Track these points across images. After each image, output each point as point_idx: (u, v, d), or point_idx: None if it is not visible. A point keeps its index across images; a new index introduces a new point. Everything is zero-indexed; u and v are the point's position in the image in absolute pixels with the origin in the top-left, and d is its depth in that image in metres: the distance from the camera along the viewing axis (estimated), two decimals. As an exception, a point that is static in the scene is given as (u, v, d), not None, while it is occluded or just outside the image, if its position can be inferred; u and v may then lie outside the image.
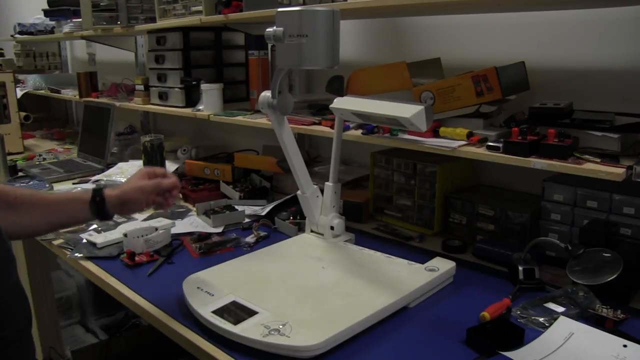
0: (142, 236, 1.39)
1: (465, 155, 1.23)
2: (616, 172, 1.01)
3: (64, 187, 1.95)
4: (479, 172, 1.61)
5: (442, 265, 1.19)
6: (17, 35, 3.51)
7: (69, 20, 2.86)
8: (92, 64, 3.37)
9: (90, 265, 1.33)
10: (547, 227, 1.29)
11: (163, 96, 2.14)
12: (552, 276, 1.22)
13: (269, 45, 1.82)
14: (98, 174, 2.12)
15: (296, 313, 1.00)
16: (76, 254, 1.38)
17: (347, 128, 1.44)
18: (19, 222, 1.02)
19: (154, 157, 1.83)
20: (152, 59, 2.16)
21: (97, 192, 1.08)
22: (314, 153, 2.02)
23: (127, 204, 1.10)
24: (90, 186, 1.95)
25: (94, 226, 1.56)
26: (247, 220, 1.62)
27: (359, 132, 1.42)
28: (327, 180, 1.38)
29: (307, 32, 1.09)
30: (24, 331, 0.89)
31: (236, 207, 1.66)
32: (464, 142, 1.24)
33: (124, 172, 2.06)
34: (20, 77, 3.42)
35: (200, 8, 1.86)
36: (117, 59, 3.02)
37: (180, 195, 1.87)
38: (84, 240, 1.45)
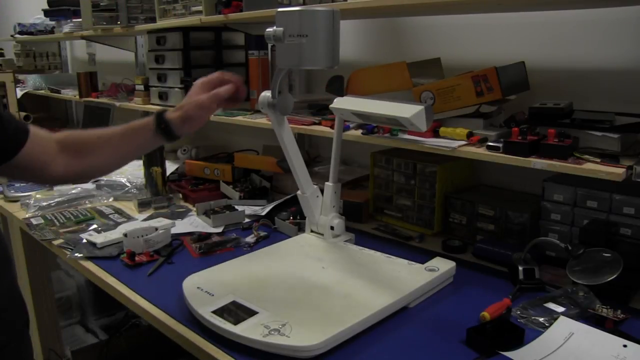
0: (142, 236, 1.38)
1: (465, 155, 1.23)
2: (616, 172, 1.01)
3: (64, 187, 1.95)
4: (479, 172, 1.61)
5: (442, 265, 1.19)
6: (17, 35, 3.51)
7: (69, 20, 2.86)
8: (92, 64, 3.37)
9: (90, 265, 1.33)
10: (547, 227, 1.29)
11: (163, 96, 2.14)
12: (552, 276, 1.22)
13: (269, 45, 1.81)
14: (98, 174, 2.12)
15: (296, 313, 1.00)
16: (76, 254, 1.38)
17: (347, 128, 1.44)
18: (89, 165, 1.03)
19: (154, 157, 1.83)
20: (152, 59, 2.16)
21: (160, 119, 1.06)
22: (314, 153, 2.02)
23: (190, 121, 1.07)
24: (90, 186, 1.95)
25: (94, 226, 1.56)
26: (247, 220, 1.62)
27: (359, 132, 1.42)
28: (327, 180, 1.38)
29: (307, 32, 1.09)
30: (20, 333, 0.89)
31: (236, 207, 1.66)
32: (464, 142, 1.24)
33: (124, 172, 2.06)
34: (20, 77, 3.42)
35: (200, 8, 1.86)
36: (117, 59, 3.02)
37: (181, 195, 1.87)
38: (84, 240, 1.45)
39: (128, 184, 1.93)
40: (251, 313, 0.99)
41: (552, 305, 1.07)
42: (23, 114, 2.94)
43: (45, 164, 0.96)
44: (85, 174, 1.04)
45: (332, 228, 1.36)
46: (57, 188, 1.96)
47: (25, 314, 0.93)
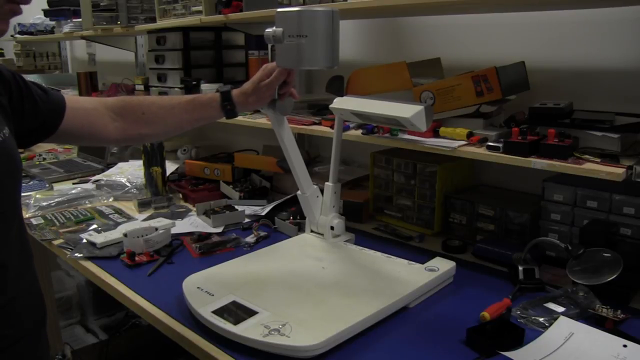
0: (142, 236, 1.39)
1: (465, 155, 1.23)
2: (616, 172, 1.01)
3: (64, 187, 1.95)
4: (479, 172, 1.61)
5: (442, 265, 1.19)
6: (17, 35, 3.51)
7: (69, 20, 2.86)
8: (92, 64, 3.37)
9: (90, 265, 1.33)
10: (547, 227, 1.29)
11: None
12: (552, 276, 1.22)
13: (269, 45, 1.81)
14: (98, 174, 2.12)
15: (296, 313, 1.00)
16: (76, 254, 1.38)
17: (347, 128, 1.44)
18: (147, 133, 1.09)
19: (154, 157, 1.83)
20: (152, 59, 2.16)
21: (227, 99, 1.12)
22: (314, 153, 2.02)
23: (257, 98, 1.15)
24: (90, 186, 1.95)
25: (94, 226, 1.56)
26: (247, 220, 1.62)
27: (359, 132, 1.42)
28: (327, 180, 1.38)
29: (306, 32, 1.09)
30: (37, 329, 0.89)
31: (236, 207, 1.66)
32: (464, 142, 1.24)
33: (124, 172, 2.06)
34: (20, 77, 3.42)
35: (200, 8, 1.86)
36: (117, 59, 3.02)
37: (181, 195, 1.87)
38: (84, 240, 1.45)
39: (128, 184, 1.93)
40: (251, 313, 0.99)
41: (552, 305, 1.08)
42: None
43: (94, 129, 1.01)
44: (142, 139, 1.13)
45: (332, 228, 1.36)
46: (57, 188, 1.96)
47: (43, 311, 0.93)
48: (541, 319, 1.02)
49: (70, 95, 1.05)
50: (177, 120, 1.12)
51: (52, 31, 3.20)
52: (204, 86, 1.92)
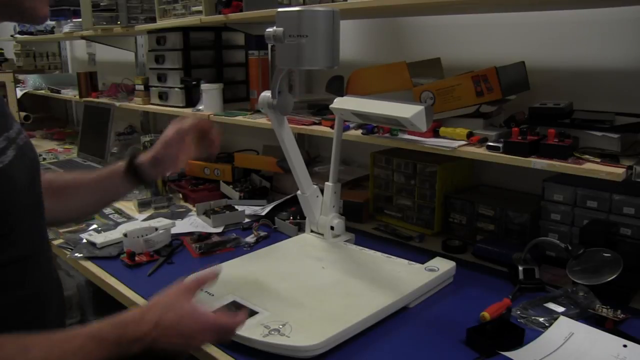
0: (142, 236, 1.39)
1: (465, 155, 1.23)
2: (616, 172, 1.01)
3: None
4: (479, 172, 1.61)
5: (442, 265, 1.19)
6: (17, 35, 3.51)
7: (69, 20, 2.86)
8: (92, 64, 3.37)
9: (90, 265, 1.33)
10: (547, 227, 1.29)
11: (163, 96, 2.14)
12: (552, 276, 1.22)
13: (269, 45, 1.81)
14: (98, 174, 2.11)
15: (296, 313, 1.00)
16: (76, 254, 1.38)
17: (347, 128, 1.44)
18: (66, 208, 1.05)
19: (154, 157, 1.83)
20: (152, 59, 2.16)
21: (130, 166, 1.08)
22: (314, 153, 2.02)
23: (160, 163, 1.09)
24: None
25: (94, 226, 1.56)
26: (247, 220, 1.62)
27: (359, 132, 1.42)
28: (327, 180, 1.38)
29: (307, 32, 1.09)
30: (59, 319, 0.92)
31: (236, 207, 1.66)
32: (464, 142, 1.24)
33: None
34: (20, 77, 3.42)
35: (200, 8, 1.86)
36: (117, 59, 3.02)
37: (181, 195, 1.87)
38: (84, 240, 1.45)
39: (128, 184, 1.93)
40: (251, 313, 0.99)
41: (552, 305, 1.08)
42: (23, 114, 2.94)
43: None
44: (61, 217, 1.04)
45: (332, 228, 1.36)
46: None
47: (63, 303, 0.96)
48: (541, 319, 1.02)
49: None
50: (90, 194, 1.09)
51: (52, 31, 3.20)
52: (204, 86, 1.92)
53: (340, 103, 1.30)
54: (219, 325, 0.85)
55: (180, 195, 1.87)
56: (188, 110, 1.99)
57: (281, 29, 1.11)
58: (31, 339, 0.72)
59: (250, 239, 1.47)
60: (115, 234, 1.45)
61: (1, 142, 0.77)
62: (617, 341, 0.94)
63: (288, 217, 1.55)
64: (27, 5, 0.77)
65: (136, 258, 1.33)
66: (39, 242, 0.87)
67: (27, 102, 3.32)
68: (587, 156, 1.08)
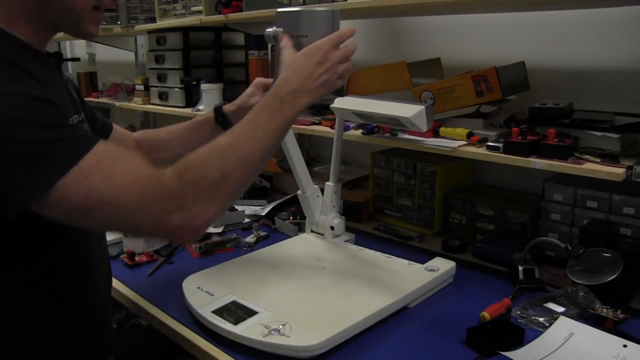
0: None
1: (465, 155, 1.23)
2: (616, 172, 1.01)
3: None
4: (479, 172, 1.61)
5: (442, 265, 1.19)
6: (17, 35, 3.50)
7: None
8: (92, 64, 3.37)
9: (90, 265, 1.33)
10: (547, 227, 1.29)
11: (163, 96, 2.14)
12: (552, 276, 1.22)
13: (269, 45, 1.81)
14: (98, 174, 2.11)
15: (296, 313, 1.00)
16: (76, 254, 1.37)
17: (347, 128, 1.44)
18: (162, 158, 1.17)
19: (154, 157, 1.83)
20: (152, 59, 2.16)
21: (219, 112, 1.21)
22: (314, 153, 2.02)
23: (244, 111, 1.17)
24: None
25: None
26: (247, 220, 1.62)
27: (359, 132, 1.42)
28: (327, 180, 1.38)
29: (306, 32, 1.09)
30: (105, 295, 1.01)
31: (236, 207, 1.66)
32: (464, 142, 1.24)
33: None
34: (21, 77, 3.41)
35: (200, 8, 1.86)
36: (117, 59, 3.01)
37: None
38: (84, 240, 1.45)
39: (128, 184, 1.93)
40: (251, 313, 0.99)
41: (552, 305, 1.08)
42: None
43: None
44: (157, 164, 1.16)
45: (332, 228, 1.36)
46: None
47: (109, 282, 1.07)
48: (541, 319, 1.02)
49: (115, 125, 1.21)
50: (182, 143, 1.21)
51: (52, 31, 3.20)
52: (204, 86, 1.92)
53: (340, 103, 1.30)
54: (335, 36, 0.94)
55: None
56: (188, 110, 1.99)
57: (281, 29, 1.11)
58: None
59: (250, 239, 1.47)
60: (115, 234, 1.45)
61: (75, 120, 0.87)
62: (617, 341, 0.94)
63: (288, 217, 1.55)
64: (83, 29, 0.87)
65: (136, 258, 1.33)
66: None
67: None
68: (587, 156, 1.08)
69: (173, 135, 1.23)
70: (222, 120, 1.20)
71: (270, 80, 1.21)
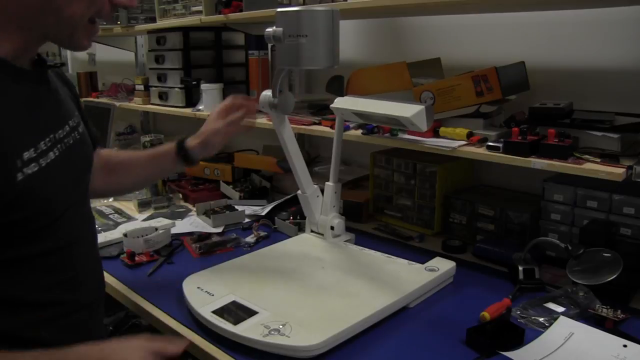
0: (142, 236, 1.39)
1: (465, 155, 1.23)
2: (616, 172, 1.01)
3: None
4: (479, 172, 1.61)
5: (442, 265, 1.19)
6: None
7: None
8: (92, 64, 3.37)
9: (90, 265, 1.33)
10: (547, 227, 1.29)
11: (163, 96, 2.14)
12: (552, 276, 1.22)
13: (269, 45, 1.81)
14: (98, 174, 2.12)
15: (296, 313, 1.00)
16: (76, 254, 1.37)
17: (347, 128, 1.44)
18: (119, 184, 1.18)
19: (154, 157, 1.83)
20: (152, 59, 2.16)
21: (181, 147, 1.20)
22: (314, 153, 2.02)
23: (208, 147, 1.22)
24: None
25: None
26: (247, 220, 1.62)
27: (359, 132, 1.42)
28: (327, 180, 1.38)
29: (306, 32, 1.09)
30: (98, 301, 0.98)
31: (236, 207, 1.66)
32: (464, 142, 1.24)
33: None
34: (20, 77, 3.41)
35: (200, 8, 1.86)
36: (117, 59, 3.01)
37: (181, 195, 1.87)
38: (84, 240, 1.45)
39: (128, 184, 1.93)
40: (251, 313, 0.99)
41: (552, 305, 1.07)
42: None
43: (93, 176, 1.05)
44: (115, 191, 1.20)
45: (332, 228, 1.36)
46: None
47: (101, 290, 1.04)
48: (541, 319, 1.02)
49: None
50: (142, 171, 1.22)
51: (52, 31, 3.20)
52: (204, 86, 1.92)
53: (340, 103, 1.30)
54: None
55: (180, 195, 1.87)
56: (188, 110, 1.99)
57: (281, 29, 1.11)
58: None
59: (250, 239, 1.47)
60: (115, 234, 1.45)
61: (46, 144, 0.82)
62: (617, 341, 0.94)
63: (288, 217, 1.55)
64: (76, 40, 0.85)
65: (136, 258, 1.33)
66: (81, 230, 0.93)
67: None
68: (587, 156, 1.08)
69: (134, 162, 1.22)
70: (183, 155, 1.20)
71: (227, 102, 1.23)
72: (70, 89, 1.03)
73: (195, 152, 1.20)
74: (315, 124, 1.55)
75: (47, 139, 0.83)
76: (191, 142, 1.20)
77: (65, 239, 0.87)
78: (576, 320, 1.02)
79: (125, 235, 1.39)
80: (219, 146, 1.23)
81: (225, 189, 1.85)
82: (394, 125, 1.30)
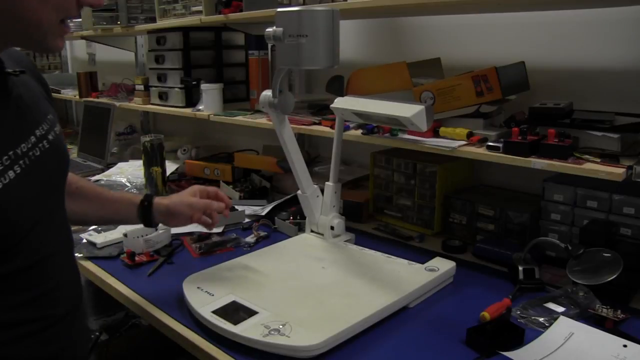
0: (142, 236, 1.38)
1: (465, 155, 1.23)
2: (616, 172, 1.01)
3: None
4: (479, 172, 1.61)
5: (442, 265, 1.19)
6: (17, 35, 3.50)
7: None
8: (92, 64, 3.37)
9: (90, 265, 1.33)
10: (547, 227, 1.29)
11: (163, 96, 2.14)
12: (552, 276, 1.22)
13: (269, 45, 1.81)
14: (98, 174, 2.12)
15: (296, 313, 1.00)
16: (76, 254, 1.37)
17: (347, 128, 1.44)
18: (73, 210, 1.08)
19: (154, 157, 1.83)
20: (152, 59, 2.16)
21: (147, 197, 1.15)
22: (314, 153, 2.02)
23: (174, 216, 1.16)
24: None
25: (94, 226, 1.56)
26: (247, 220, 1.61)
27: (359, 132, 1.42)
28: (327, 180, 1.38)
29: (306, 32, 1.09)
30: (73, 312, 0.93)
31: (236, 207, 1.66)
32: (464, 142, 1.24)
33: (124, 172, 2.06)
34: (20, 77, 3.41)
35: (200, 8, 1.86)
36: (117, 59, 3.02)
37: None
38: (84, 240, 1.45)
39: (128, 184, 1.93)
40: (251, 313, 0.99)
41: (552, 305, 1.07)
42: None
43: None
44: (70, 218, 1.08)
45: (332, 228, 1.36)
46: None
47: (80, 291, 0.98)
48: (541, 319, 1.02)
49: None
50: (101, 207, 1.14)
51: (52, 31, 3.20)
52: (204, 86, 1.93)
53: (340, 103, 1.30)
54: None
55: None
56: (188, 110, 1.99)
57: (281, 29, 1.11)
58: None
59: (250, 239, 1.47)
60: (115, 234, 1.45)
61: (3, 163, 0.77)
62: (617, 341, 0.94)
63: (288, 217, 1.55)
64: (48, 43, 0.80)
65: (136, 258, 1.33)
66: (54, 243, 0.89)
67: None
68: (587, 156, 1.08)
69: (91, 197, 1.13)
70: (146, 205, 1.14)
71: (211, 188, 1.21)
72: (43, 87, 0.96)
73: (158, 211, 1.14)
74: (315, 124, 1.55)
75: (5, 157, 0.77)
76: (160, 201, 1.15)
77: (36, 255, 0.83)
78: (576, 320, 1.02)
79: (125, 235, 1.39)
80: (179, 223, 1.17)
81: (225, 189, 1.85)
82: (394, 125, 1.30)
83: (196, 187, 1.21)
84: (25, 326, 0.81)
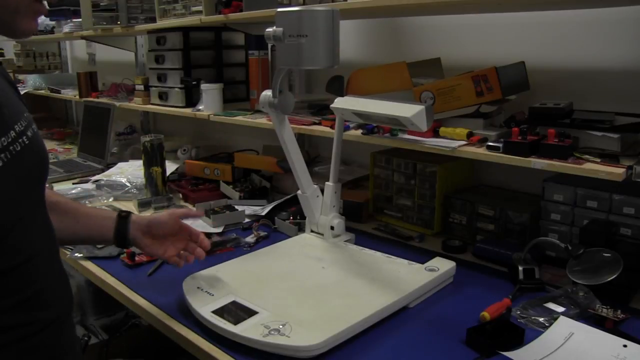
0: (142, 236, 1.38)
1: (465, 155, 1.23)
2: (616, 172, 1.01)
3: (63, 187, 1.95)
4: (479, 172, 1.61)
5: (442, 265, 1.19)
6: (17, 35, 3.50)
7: (69, 20, 2.86)
8: (92, 64, 3.37)
9: (90, 265, 1.33)
10: (547, 227, 1.29)
11: (163, 96, 2.14)
12: (552, 276, 1.22)
13: (269, 45, 1.81)
14: (98, 174, 2.12)
15: (296, 313, 1.00)
16: (76, 254, 1.38)
17: (347, 128, 1.44)
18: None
19: (154, 157, 1.83)
20: (152, 59, 2.16)
21: (126, 212, 1.10)
22: (314, 153, 2.02)
23: (156, 227, 1.10)
24: (90, 186, 1.95)
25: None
26: (247, 220, 1.61)
27: (359, 132, 1.42)
28: (327, 180, 1.38)
29: (307, 32, 1.09)
30: (63, 317, 0.91)
31: (236, 207, 1.66)
32: (464, 142, 1.24)
33: (124, 172, 2.06)
34: (20, 77, 3.42)
35: (200, 8, 1.86)
36: (117, 59, 3.02)
37: (181, 195, 1.86)
38: (84, 240, 1.45)
39: (128, 184, 1.93)
40: (251, 313, 0.99)
41: (552, 305, 1.08)
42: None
43: None
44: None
45: (332, 228, 1.36)
46: (57, 188, 1.96)
47: (70, 296, 0.95)
48: (541, 319, 1.02)
49: None
50: (75, 222, 1.08)
51: (52, 31, 3.20)
52: (204, 86, 1.93)
53: (340, 103, 1.30)
54: None
55: (180, 195, 1.87)
56: (188, 110, 1.99)
57: (281, 29, 1.11)
58: None
59: (250, 239, 1.47)
60: (115, 234, 1.45)
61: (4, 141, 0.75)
62: (617, 341, 0.94)
63: (288, 217, 1.55)
64: (18, 25, 0.75)
65: (136, 258, 1.33)
66: (38, 242, 0.86)
67: (27, 102, 3.28)
68: (587, 156, 1.08)
69: (66, 212, 1.08)
70: (119, 221, 1.08)
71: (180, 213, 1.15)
72: (14, 88, 0.92)
73: (136, 224, 1.09)
74: (315, 124, 1.55)
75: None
76: (138, 220, 1.10)
77: (20, 255, 0.80)
78: (576, 320, 1.02)
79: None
80: (158, 241, 1.11)
81: (225, 189, 1.85)
82: (394, 125, 1.30)
83: (181, 212, 1.16)
84: (14, 331, 0.79)
